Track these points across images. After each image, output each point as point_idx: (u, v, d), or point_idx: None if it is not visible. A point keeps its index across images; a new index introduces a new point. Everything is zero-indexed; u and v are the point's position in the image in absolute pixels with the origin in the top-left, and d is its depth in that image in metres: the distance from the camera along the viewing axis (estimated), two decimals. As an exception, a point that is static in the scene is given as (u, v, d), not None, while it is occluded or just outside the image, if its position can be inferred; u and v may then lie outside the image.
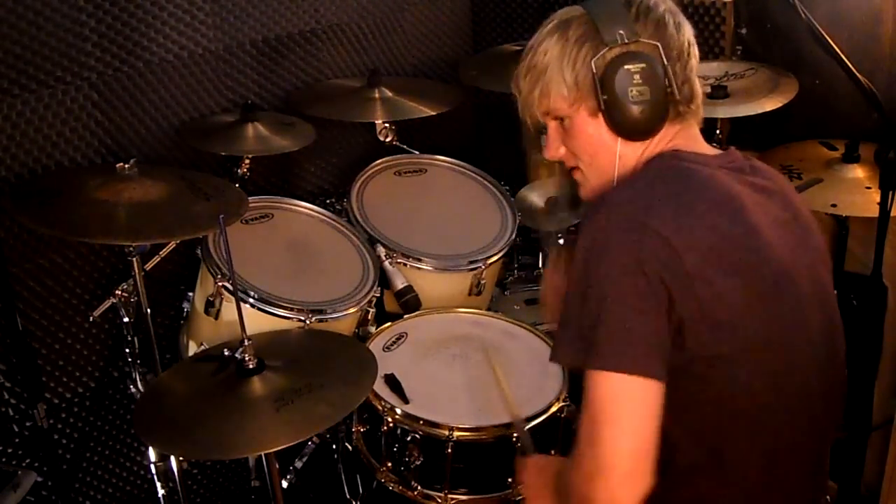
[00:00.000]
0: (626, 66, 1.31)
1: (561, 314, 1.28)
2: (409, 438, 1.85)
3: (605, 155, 1.39)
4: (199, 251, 2.11)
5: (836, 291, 1.44)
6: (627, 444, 1.17)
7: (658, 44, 1.32)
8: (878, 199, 1.88)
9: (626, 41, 1.31)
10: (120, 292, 2.09)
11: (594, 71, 1.32)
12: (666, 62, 1.32)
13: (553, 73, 1.36)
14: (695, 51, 1.38)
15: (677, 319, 1.20)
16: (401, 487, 1.91)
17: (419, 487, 1.88)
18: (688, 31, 1.37)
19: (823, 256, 1.43)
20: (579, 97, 1.36)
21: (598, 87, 1.32)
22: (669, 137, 1.38)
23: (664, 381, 1.19)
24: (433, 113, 2.54)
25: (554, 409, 1.88)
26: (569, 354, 1.27)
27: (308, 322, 2.02)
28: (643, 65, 1.31)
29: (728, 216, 1.27)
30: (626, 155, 1.38)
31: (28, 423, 2.21)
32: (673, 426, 1.22)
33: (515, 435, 1.80)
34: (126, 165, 1.94)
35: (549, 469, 1.55)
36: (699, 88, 1.40)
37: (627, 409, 1.18)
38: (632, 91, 1.31)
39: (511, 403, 1.82)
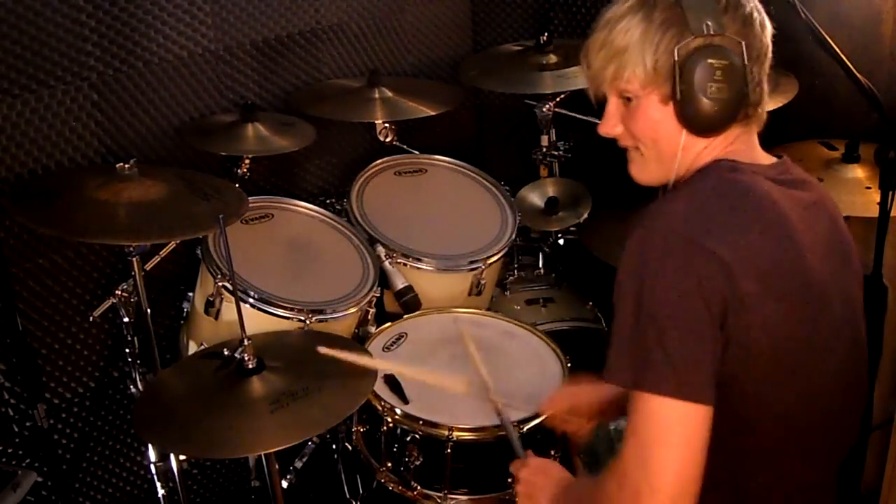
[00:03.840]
0: (709, 60, 1.26)
1: (613, 330, 1.26)
2: (408, 438, 1.85)
3: (668, 144, 1.34)
4: (199, 251, 2.11)
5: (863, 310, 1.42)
6: (677, 467, 1.17)
7: (743, 42, 1.28)
8: (878, 199, 1.87)
9: (713, 33, 1.26)
10: (120, 292, 2.08)
11: (676, 58, 1.27)
12: (747, 62, 1.28)
13: (632, 53, 1.30)
14: (770, 53, 1.34)
15: (724, 341, 1.20)
16: (400, 487, 1.91)
17: (419, 487, 1.88)
18: (769, 33, 1.33)
19: (859, 275, 1.41)
20: (654, 81, 1.30)
21: (678, 75, 1.27)
22: (731, 140, 1.34)
23: (713, 406, 1.19)
24: (433, 113, 2.53)
25: (554, 409, 1.89)
26: (624, 376, 1.23)
27: (308, 322, 2.02)
28: (726, 61, 1.26)
29: (779, 238, 1.26)
30: (687, 148, 1.33)
31: (28, 423, 2.20)
32: None
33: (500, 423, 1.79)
34: (126, 165, 1.94)
35: (553, 475, 1.55)
36: (767, 93, 1.37)
37: (680, 434, 1.18)
38: (711, 87, 1.26)
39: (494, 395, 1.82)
